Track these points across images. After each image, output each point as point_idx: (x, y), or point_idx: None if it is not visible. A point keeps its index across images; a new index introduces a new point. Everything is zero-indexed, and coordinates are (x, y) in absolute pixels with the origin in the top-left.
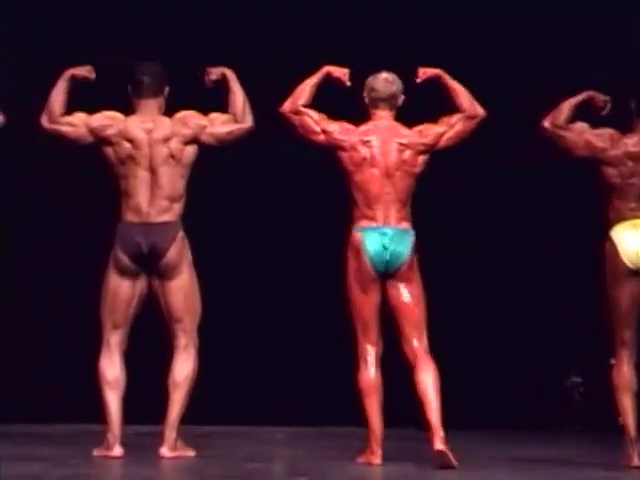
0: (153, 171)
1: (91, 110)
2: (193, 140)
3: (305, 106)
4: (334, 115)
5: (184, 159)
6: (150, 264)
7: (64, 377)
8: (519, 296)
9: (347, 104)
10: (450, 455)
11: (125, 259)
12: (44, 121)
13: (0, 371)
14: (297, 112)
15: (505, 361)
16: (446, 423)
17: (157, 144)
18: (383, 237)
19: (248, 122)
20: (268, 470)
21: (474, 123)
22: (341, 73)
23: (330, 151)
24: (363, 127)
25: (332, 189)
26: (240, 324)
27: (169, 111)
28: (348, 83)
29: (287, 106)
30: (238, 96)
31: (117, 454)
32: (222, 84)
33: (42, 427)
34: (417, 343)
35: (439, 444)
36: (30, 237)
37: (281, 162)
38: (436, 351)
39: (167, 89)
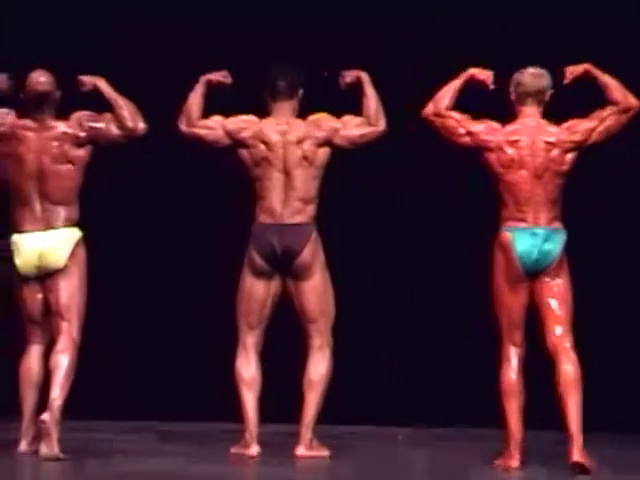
0: (287, 173)
1: (227, 113)
2: (326, 142)
3: (448, 109)
4: None
5: (317, 161)
6: (284, 265)
7: (202, 376)
8: None
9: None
10: (587, 465)
11: (259, 260)
12: (182, 125)
13: (142, 369)
14: (440, 115)
15: None
16: (588, 424)
17: (291, 146)
18: (534, 237)
19: (381, 125)
20: (403, 471)
21: (627, 116)
22: (485, 76)
23: (476, 152)
24: (510, 126)
25: (465, 188)
26: (373, 324)
27: (302, 113)
28: (492, 86)
29: (429, 109)
30: (372, 99)
31: (254, 453)
32: (356, 87)
33: (180, 425)
34: (561, 339)
35: (577, 455)
36: (166, 239)
37: (420, 161)
38: (581, 352)
39: (301, 91)
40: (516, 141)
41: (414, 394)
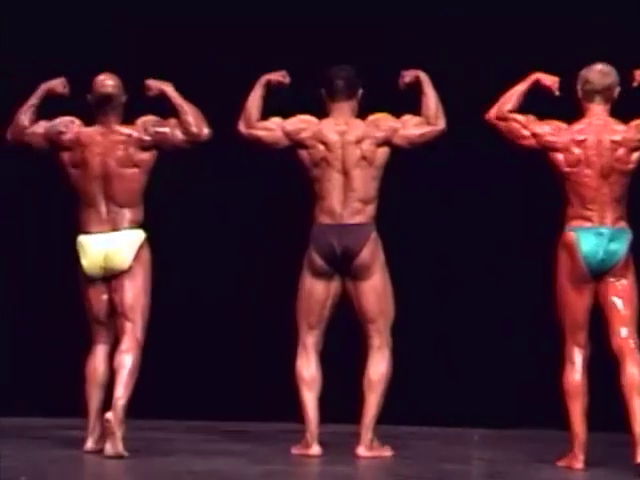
0: (346, 173)
1: (285, 114)
2: (385, 142)
3: (512, 112)
4: None
5: (376, 161)
6: (343, 265)
7: (264, 376)
8: None
9: None
10: None
11: (319, 260)
12: (241, 127)
13: (205, 369)
14: (504, 118)
15: None
16: None
17: (350, 146)
18: (600, 237)
19: (440, 125)
20: (464, 472)
21: None
22: (551, 81)
23: (542, 153)
24: (576, 125)
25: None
26: (433, 324)
27: (360, 113)
28: (557, 92)
29: (493, 113)
30: (431, 99)
31: (315, 452)
32: (415, 87)
33: (242, 424)
34: (626, 341)
35: None
36: (227, 240)
37: (483, 160)
38: None
39: (360, 92)
40: (582, 140)
41: (475, 394)
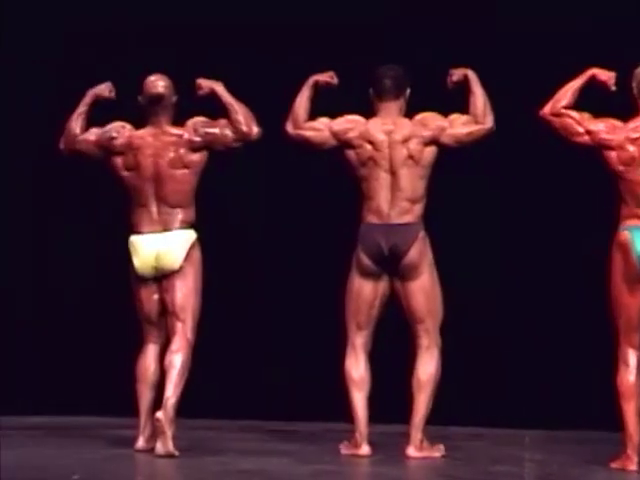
0: (393, 173)
1: (334, 115)
2: (433, 141)
3: (566, 108)
4: None
5: (423, 160)
6: (391, 265)
7: (312, 376)
8: None
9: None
10: None
11: (367, 260)
12: (289, 128)
13: (254, 369)
14: (558, 114)
15: None
16: None
17: (397, 145)
18: None
19: (488, 123)
20: (516, 473)
21: None
22: (607, 77)
23: (595, 150)
24: (631, 123)
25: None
26: (482, 323)
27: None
28: (613, 87)
29: (547, 109)
30: (479, 97)
31: (365, 453)
32: (464, 85)
33: (291, 424)
34: None
35: None
36: (276, 240)
37: (534, 158)
38: None
39: (408, 91)
40: (637, 138)
41: (526, 395)
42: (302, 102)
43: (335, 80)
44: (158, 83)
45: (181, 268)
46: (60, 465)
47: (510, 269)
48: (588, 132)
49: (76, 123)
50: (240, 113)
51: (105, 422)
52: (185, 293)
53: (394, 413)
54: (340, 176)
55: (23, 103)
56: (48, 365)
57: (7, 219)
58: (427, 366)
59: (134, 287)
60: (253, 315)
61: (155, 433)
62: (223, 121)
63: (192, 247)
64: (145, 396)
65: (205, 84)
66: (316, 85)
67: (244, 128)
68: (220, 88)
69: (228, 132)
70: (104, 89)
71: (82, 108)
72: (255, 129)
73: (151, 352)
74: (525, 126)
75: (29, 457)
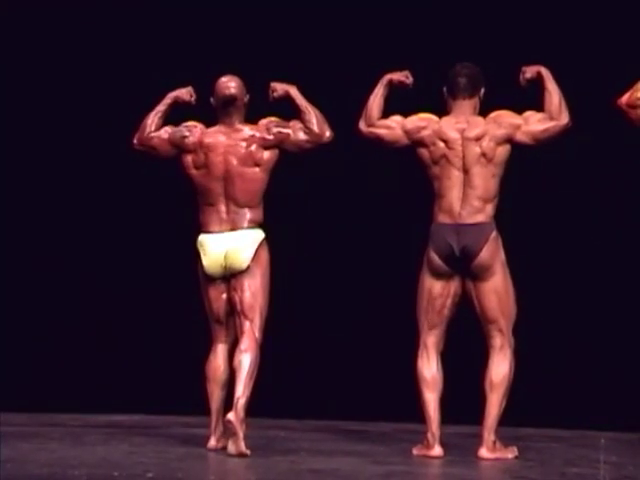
0: (466, 171)
1: (405, 114)
2: (506, 139)
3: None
4: None
5: (496, 158)
6: (462, 265)
7: (384, 376)
8: None
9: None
10: None
11: (437, 260)
12: (362, 125)
13: (326, 369)
14: (634, 106)
15: None
16: None
17: (470, 143)
18: None
19: (564, 119)
20: (591, 475)
21: None
22: None
23: None
24: None
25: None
26: (555, 323)
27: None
28: None
29: (624, 99)
30: (554, 94)
31: (437, 454)
32: (537, 83)
33: (362, 424)
34: None
35: None
36: (346, 240)
37: (604, 156)
38: None
39: (483, 90)
40: None
41: (601, 396)
42: (376, 100)
43: (410, 79)
44: (230, 84)
45: (249, 268)
46: (135, 463)
47: (585, 268)
48: None
49: (152, 120)
50: (313, 115)
51: (178, 420)
52: (253, 292)
53: (466, 414)
54: (412, 175)
55: (98, 100)
56: (124, 365)
57: (78, 220)
58: (500, 367)
59: (203, 287)
60: (324, 315)
61: (226, 432)
62: (296, 122)
63: (260, 246)
64: (216, 395)
65: (279, 87)
66: (390, 84)
67: (316, 130)
68: (294, 91)
69: (300, 133)
70: (185, 93)
71: (161, 107)
72: (327, 133)
73: (221, 352)
74: (600, 123)
75: (106, 454)
